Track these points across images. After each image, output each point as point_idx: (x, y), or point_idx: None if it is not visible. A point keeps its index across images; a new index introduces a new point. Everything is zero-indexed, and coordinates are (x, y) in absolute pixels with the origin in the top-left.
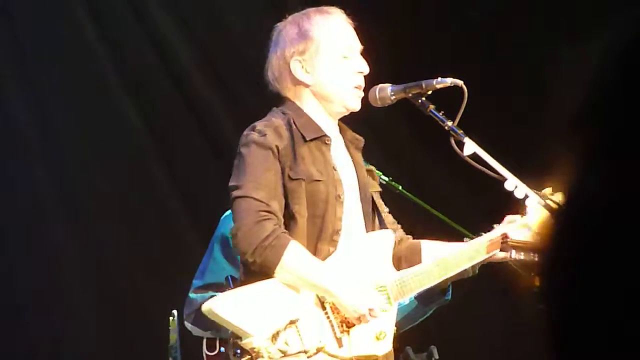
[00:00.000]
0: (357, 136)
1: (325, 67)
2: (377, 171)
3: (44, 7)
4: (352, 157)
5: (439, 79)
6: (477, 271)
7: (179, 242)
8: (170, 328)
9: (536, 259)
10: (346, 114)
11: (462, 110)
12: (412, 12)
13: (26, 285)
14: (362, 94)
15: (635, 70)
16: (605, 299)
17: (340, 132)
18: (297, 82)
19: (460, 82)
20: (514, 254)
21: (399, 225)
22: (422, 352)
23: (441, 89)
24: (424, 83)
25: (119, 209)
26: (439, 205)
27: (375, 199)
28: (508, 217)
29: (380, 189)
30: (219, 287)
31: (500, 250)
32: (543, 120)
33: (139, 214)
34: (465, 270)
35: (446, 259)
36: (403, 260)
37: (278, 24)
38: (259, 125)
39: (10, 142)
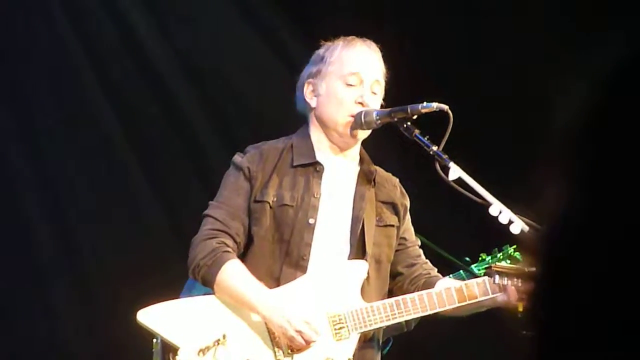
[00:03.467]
0: (372, 168)
1: (327, 92)
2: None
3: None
4: (355, 189)
5: (425, 103)
6: (411, 327)
7: (165, 258)
8: (153, 350)
9: (520, 284)
10: (346, 142)
11: (447, 135)
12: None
13: (7, 285)
14: None
15: (617, 104)
16: (590, 326)
17: (360, 162)
18: (307, 104)
19: (445, 107)
20: (498, 279)
21: (426, 261)
22: None
23: (426, 113)
24: (409, 108)
25: (103, 217)
26: (424, 231)
27: (366, 232)
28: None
29: (393, 224)
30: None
31: (485, 274)
32: (529, 145)
33: (120, 216)
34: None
35: (422, 298)
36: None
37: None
38: (250, 146)
39: None
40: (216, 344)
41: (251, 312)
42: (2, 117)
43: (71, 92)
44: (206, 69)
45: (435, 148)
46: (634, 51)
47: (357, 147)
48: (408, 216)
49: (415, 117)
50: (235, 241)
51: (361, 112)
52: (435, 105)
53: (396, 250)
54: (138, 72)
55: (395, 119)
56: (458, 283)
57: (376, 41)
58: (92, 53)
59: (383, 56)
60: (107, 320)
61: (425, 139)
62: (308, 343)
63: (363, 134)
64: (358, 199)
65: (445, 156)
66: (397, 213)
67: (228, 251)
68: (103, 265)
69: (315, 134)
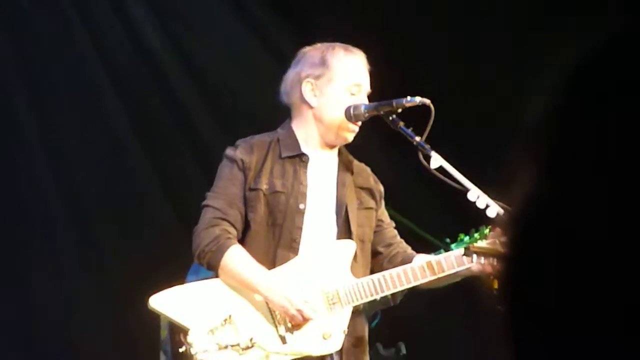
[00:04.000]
0: (350, 158)
1: (333, 96)
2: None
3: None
4: (337, 177)
5: (409, 98)
6: (397, 301)
7: (170, 239)
8: (161, 323)
9: (495, 263)
10: (339, 143)
11: (429, 127)
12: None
13: (27, 276)
14: (357, 130)
15: (586, 92)
16: (561, 300)
17: (339, 154)
18: (303, 101)
19: (427, 101)
20: (475, 259)
21: (401, 240)
22: (391, 347)
23: (410, 107)
24: (394, 102)
25: (111, 207)
26: (409, 215)
27: (350, 214)
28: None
29: (372, 206)
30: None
31: (463, 255)
32: (502, 135)
33: (131, 210)
34: (392, 296)
35: (406, 271)
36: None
37: (305, 47)
38: (239, 140)
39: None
40: (224, 323)
41: (254, 293)
42: (18, 111)
43: (82, 88)
44: (206, 67)
45: (418, 139)
46: (597, 47)
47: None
48: (383, 201)
49: (400, 110)
50: (235, 228)
51: (350, 106)
52: (418, 99)
53: (374, 232)
54: (141, 67)
55: (382, 112)
56: (435, 257)
57: (365, 39)
58: (99, 45)
59: (374, 56)
60: (119, 310)
61: (409, 130)
62: (307, 320)
63: (352, 137)
64: (340, 185)
65: (427, 146)
66: (374, 197)
67: (230, 237)
68: (114, 259)
69: (304, 127)
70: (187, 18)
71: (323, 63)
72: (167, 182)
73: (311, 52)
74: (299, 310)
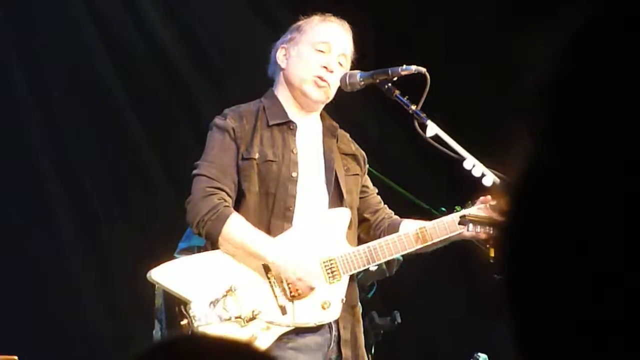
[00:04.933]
0: (334, 124)
1: (297, 55)
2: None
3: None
4: (323, 143)
5: (404, 66)
6: (393, 272)
7: (164, 208)
8: (155, 292)
9: (492, 232)
10: (311, 102)
11: (425, 96)
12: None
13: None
14: (324, 87)
15: (587, 56)
16: (560, 267)
17: (321, 119)
18: (277, 66)
19: (423, 70)
20: (471, 227)
21: (385, 206)
22: (386, 316)
23: (406, 75)
24: (390, 70)
25: (107, 178)
26: (404, 183)
27: (340, 180)
28: (482, 198)
29: (358, 172)
30: (203, 249)
31: (459, 224)
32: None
33: (124, 176)
34: (387, 263)
35: (400, 238)
36: (382, 237)
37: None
38: (227, 110)
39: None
40: (225, 295)
41: (253, 264)
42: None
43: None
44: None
45: (414, 107)
46: (596, 13)
47: (320, 108)
48: (366, 166)
49: (395, 78)
50: (230, 197)
51: (346, 74)
52: (414, 68)
53: (360, 198)
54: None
55: (377, 81)
56: (428, 223)
57: (360, 11)
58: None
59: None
60: (113, 283)
61: (405, 99)
62: (309, 289)
63: (320, 95)
64: (327, 151)
65: (423, 115)
66: (358, 163)
67: (228, 206)
68: (108, 229)
69: (283, 94)
70: (197, 9)
71: (296, 29)
72: (172, 173)
73: (294, 24)
74: (301, 279)
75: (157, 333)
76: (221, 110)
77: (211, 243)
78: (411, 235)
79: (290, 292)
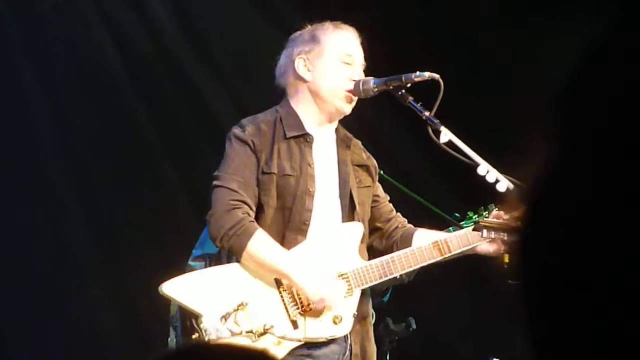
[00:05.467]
0: (348, 135)
1: (325, 67)
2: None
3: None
4: (337, 155)
5: (418, 72)
6: (411, 278)
7: (178, 217)
8: (170, 300)
9: (506, 238)
10: (337, 115)
11: (438, 102)
12: (389, 13)
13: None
14: (354, 100)
15: (613, 62)
16: (574, 273)
17: (336, 131)
18: (297, 78)
19: (436, 76)
20: (485, 234)
21: (398, 214)
22: (401, 322)
23: (419, 81)
24: (403, 76)
25: (124, 187)
26: (419, 191)
27: (353, 193)
28: (495, 213)
29: (369, 184)
30: (215, 257)
31: (473, 229)
32: (514, 109)
33: (141, 190)
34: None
35: (414, 252)
36: (395, 247)
37: (296, 32)
38: (245, 120)
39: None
40: (236, 310)
41: (265, 277)
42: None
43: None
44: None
45: (427, 113)
46: (619, 19)
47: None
48: (377, 176)
49: (409, 85)
50: (252, 210)
51: (359, 80)
52: (427, 74)
53: (372, 207)
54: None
55: (391, 87)
56: (440, 235)
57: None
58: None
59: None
60: (129, 292)
61: (419, 105)
62: (326, 308)
63: (350, 109)
64: (341, 163)
65: (436, 121)
66: (370, 174)
67: (252, 221)
68: (124, 237)
69: (303, 105)
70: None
71: (313, 39)
72: (189, 182)
73: (301, 33)
74: (323, 300)
75: (171, 341)
76: (239, 119)
77: (235, 257)
78: (424, 249)
79: (302, 307)
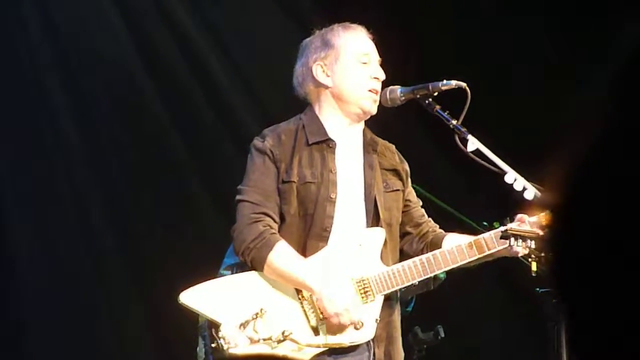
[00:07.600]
0: (375, 139)
1: (344, 70)
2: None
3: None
4: (363, 159)
5: (444, 81)
6: (436, 286)
7: (208, 228)
8: (198, 325)
9: (533, 247)
10: (363, 116)
11: (465, 110)
12: (420, 16)
13: (67, 267)
14: (377, 98)
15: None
16: (606, 279)
17: (363, 134)
18: (318, 85)
19: (463, 84)
20: (513, 242)
21: (429, 219)
22: (429, 331)
23: (446, 90)
24: (430, 85)
25: (150, 199)
26: (446, 198)
27: (378, 198)
28: (519, 216)
29: (399, 188)
30: (242, 265)
31: (501, 238)
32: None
33: (168, 201)
34: (429, 280)
35: (437, 257)
36: (425, 251)
37: (306, 39)
38: (266, 130)
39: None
40: (255, 317)
41: (284, 285)
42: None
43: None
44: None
45: (454, 122)
46: None
47: (363, 121)
48: (409, 180)
49: (436, 93)
50: (275, 221)
51: (386, 90)
52: (454, 82)
53: (402, 212)
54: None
55: (418, 96)
56: (467, 238)
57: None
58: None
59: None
60: (158, 301)
61: (446, 113)
62: (347, 321)
63: (375, 109)
64: (367, 168)
65: (464, 129)
66: (400, 178)
67: (274, 233)
68: (153, 249)
69: (327, 111)
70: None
71: (326, 44)
72: (208, 174)
73: (311, 40)
74: (339, 314)
75: (200, 350)
76: (266, 126)
77: (258, 269)
78: (447, 251)
79: (322, 313)
